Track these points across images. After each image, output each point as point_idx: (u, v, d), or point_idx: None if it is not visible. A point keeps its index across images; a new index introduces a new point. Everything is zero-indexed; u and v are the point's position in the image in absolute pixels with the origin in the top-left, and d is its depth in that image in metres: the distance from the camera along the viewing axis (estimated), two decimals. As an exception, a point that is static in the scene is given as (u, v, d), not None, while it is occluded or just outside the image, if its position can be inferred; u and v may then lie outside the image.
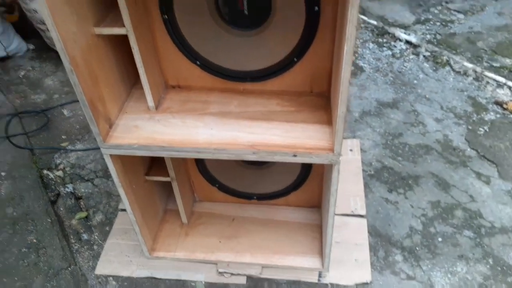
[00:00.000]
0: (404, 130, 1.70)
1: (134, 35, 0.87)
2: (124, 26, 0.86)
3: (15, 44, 2.18)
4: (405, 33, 2.34)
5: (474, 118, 1.74)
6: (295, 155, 0.89)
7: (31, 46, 2.30)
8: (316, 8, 0.88)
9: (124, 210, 1.40)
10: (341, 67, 0.74)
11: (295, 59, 0.98)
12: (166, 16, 0.94)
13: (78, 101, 0.91)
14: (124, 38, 0.89)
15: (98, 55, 0.89)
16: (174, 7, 0.92)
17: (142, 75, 0.94)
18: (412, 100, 1.87)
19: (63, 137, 1.74)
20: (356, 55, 2.21)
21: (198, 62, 1.02)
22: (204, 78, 1.06)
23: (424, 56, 2.15)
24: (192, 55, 1.01)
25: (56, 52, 2.17)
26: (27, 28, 2.30)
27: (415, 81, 1.98)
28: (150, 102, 1.00)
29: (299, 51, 0.97)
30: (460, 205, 1.41)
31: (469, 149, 1.60)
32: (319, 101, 1.03)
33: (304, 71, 1.01)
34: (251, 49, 0.99)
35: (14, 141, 1.67)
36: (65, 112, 1.87)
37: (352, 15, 0.66)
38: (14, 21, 2.36)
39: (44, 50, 2.26)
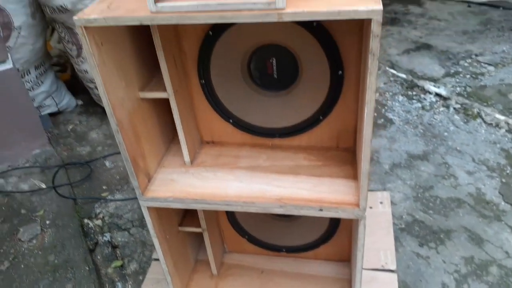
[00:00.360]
0: (435, 183, 1.69)
1: (175, 98, 0.97)
2: (166, 90, 0.96)
3: (66, 100, 2.38)
4: (434, 86, 2.37)
5: (508, 171, 1.72)
6: (321, 210, 0.93)
7: (80, 102, 2.49)
8: (340, 72, 0.95)
9: (157, 259, 1.44)
10: (363, 128, 0.79)
11: (321, 117, 1.04)
12: (203, 81, 1.03)
13: (119, 153, 1.00)
14: (165, 100, 0.99)
15: (141, 116, 0.98)
16: (211, 73, 1.02)
17: (180, 133, 1.03)
18: (443, 153, 1.87)
19: (103, 187, 1.85)
20: (386, 107, 2.26)
21: (230, 120, 1.10)
22: (236, 135, 1.13)
23: (454, 108, 2.16)
24: (225, 114, 1.09)
25: (102, 107, 2.35)
26: (77, 86, 2.51)
27: (445, 133, 1.99)
28: (186, 157, 1.08)
29: (325, 110, 1.03)
30: (495, 261, 1.36)
31: (503, 203, 1.57)
32: (346, 156, 1.07)
33: (330, 127, 1.06)
34: (279, 108, 1.06)
35: (59, 191, 1.79)
36: (107, 163, 1.99)
37: (371, 82, 0.72)
38: (66, 79, 2.60)
39: (91, 105, 2.45)
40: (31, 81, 2.11)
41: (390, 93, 2.36)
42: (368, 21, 0.68)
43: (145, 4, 0.72)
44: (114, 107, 0.87)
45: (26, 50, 1.99)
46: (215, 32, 0.95)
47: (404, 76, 2.49)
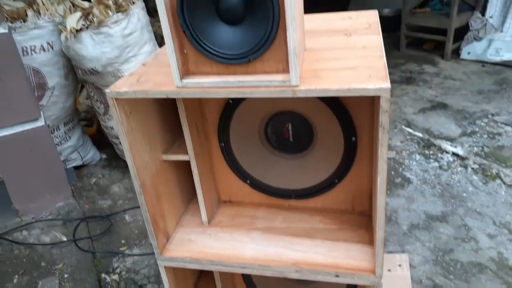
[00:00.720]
0: (455, 246, 1.66)
1: (195, 160, 1.02)
2: (187, 153, 1.01)
3: (91, 154, 2.47)
4: (451, 145, 2.38)
5: (532, 235, 1.67)
6: (337, 275, 0.93)
7: (104, 156, 2.59)
8: (353, 138, 0.99)
9: (172, 318, 1.43)
10: (377, 196, 0.81)
11: (336, 181, 1.07)
12: (223, 144, 1.09)
13: (139, 207, 1.04)
14: (186, 161, 1.04)
15: (163, 177, 1.03)
16: (230, 137, 1.08)
17: (199, 194, 1.07)
18: (462, 214, 1.84)
19: (122, 241, 1.87)
20: (403, 166, 2.26)
21: (248, 181, 1.14)
22: (253, 195, 1.16)
23: (472, 168, 2.15)
24: (243, 175, 1.13)
25: (124, 162, 2.43)
26: (102, 140, 2.62)
27: (464, 194, 1.97)
28: (204, 217, 1.11)
29: (340, 174, 1.06)
30: (522, 333, 1.30)
31: (528, 270, 1.52)
32: (361, 220, 1.08)
33: (345, 190, 1.08)
34: (295, 170, 1.09)
35: (79, 244, 1.83)
36: (127, 217, 2.03)
37: (382, 153, 0.75)
38: (92, 134, 2.72)
39: (114, 159, 2.54)
40: (59, 136, 2.22)
41: (407, 152, 2.38)
42: (378, 96, 0.72)
43: (171, 79, 0.78)
44: (139, 169, 0.92)
45: (58, 108, 2.12)
46: (235, 100, 1.01)
47: (420, 135, 2.51)
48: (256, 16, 0.70)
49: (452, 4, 3.29)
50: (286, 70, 0.73)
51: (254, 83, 0.75)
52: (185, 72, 0.77)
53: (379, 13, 1.12)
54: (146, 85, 0.82)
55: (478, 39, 3.42)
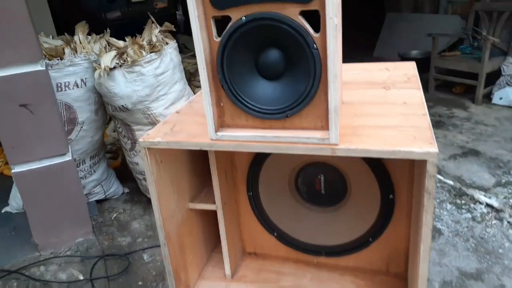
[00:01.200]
0: (494, 310, 1.54)
1: (222, 210, 0.98)
2: (214, 203, 0.98)
3: (114, 188, 2.47)
4: (485, 195, 2.27)
5: None
6: None
7: (126, 190, 2.58)
8: (391, 196, 0.93)
9: None
10: (419, 266, 0.75)
11: (371, 239, 1.01)
12: (251, 193, 1.05)
13: (158, 246, 0.99)
14: (212, 210, 1.00)
15: (188, 227, 0.99)
16: (259, 186, 1.04)
17: (224, 246, 1.02)
18: (498, 273, 1.72)
19: (139, 283, 1.82)
20: (433, 215, 2.16)
21: (275, 234, 1.09)
22: (280, 248, 1.11)
23: (508, 222, 2.03)
24: (270, 227, 1.09)
25: (147, 197, 2.42)
26: (125, 173, 2.62)
27: (500, 250, 1.85)
28: (227, 270, 1.06)
29: (375, 232, 1.00)
30: None
31: None
32: (396, 283, 1.01)
33: (380, 250, 1.02)
34: (326, 225, 1.04)
35: (96, 284, 1.78)
36: (145, 256, 1.98)
37: (427, 220, 0.70)
38: (116, 166, 2.73)
39: (136, 194, 2.52)
40: (84, 170, 2.23)
41: (437, 200, 2.27)
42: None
43: (205, 129, 0.76)
44: (165, 219, 0.89)
45: (85, 142, 2.14)
46: (266, 151, 0.98)
47: (451, 183, 2.41)
48: (296, 72, 0.68)
49: (484, 49, 3.25)
50: (325, 127, 0.70)
51: (291, 139, 0.72)
52: (221, 124, 0.75)
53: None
54: (179, 135, 0.80)
55: (511, 84, 3.34)
